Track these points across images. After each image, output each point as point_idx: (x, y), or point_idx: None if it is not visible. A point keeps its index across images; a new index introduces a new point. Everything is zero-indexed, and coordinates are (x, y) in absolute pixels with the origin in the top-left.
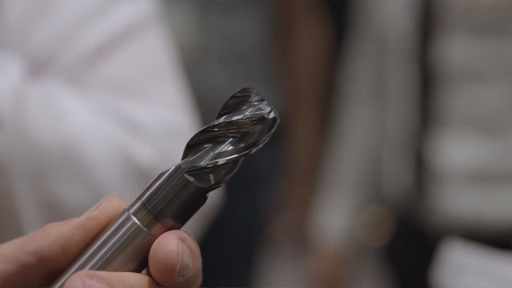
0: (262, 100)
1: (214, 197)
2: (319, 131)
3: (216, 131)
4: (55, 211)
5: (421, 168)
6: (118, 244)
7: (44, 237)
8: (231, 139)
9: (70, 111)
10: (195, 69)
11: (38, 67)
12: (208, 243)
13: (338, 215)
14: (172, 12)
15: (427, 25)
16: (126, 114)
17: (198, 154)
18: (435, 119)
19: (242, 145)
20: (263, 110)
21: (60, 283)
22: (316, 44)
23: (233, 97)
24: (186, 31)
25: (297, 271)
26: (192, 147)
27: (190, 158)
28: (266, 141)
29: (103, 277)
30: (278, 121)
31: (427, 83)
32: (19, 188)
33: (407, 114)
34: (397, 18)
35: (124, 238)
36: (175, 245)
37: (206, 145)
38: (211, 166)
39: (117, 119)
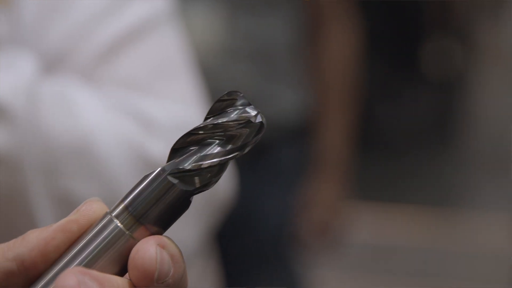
0: (248, 104)
1: (227, 192)
2: (347, 130)
3: (201, 134)
4: (69, 207)
5: None
6: (100, 246)
7: (24, 243)
8: (217, 141)
9: (84, 107)
10: (223, 69)
11: (52, 64)
12: (236, 240)
13: None
14: (200, 12)
15: None
16: (140, 110)
17: (183, 157)
18: None
19: (228, 148)
20: (250, 113)
21: (46, 279)
22: (346, 44)
23: (219, 100)
24: (214, 31)
25: (324, 269)
26: (178, 150)
27: (175, 161)
28: (253, 145)
29: (94, 276)
30: (265, 126)
31: None
32: (33, 184)
33: None
34: None
35: (106, 241)
36: (153, 252)
37: (192, 148)
38: (196, 169)
39: (130, 115)
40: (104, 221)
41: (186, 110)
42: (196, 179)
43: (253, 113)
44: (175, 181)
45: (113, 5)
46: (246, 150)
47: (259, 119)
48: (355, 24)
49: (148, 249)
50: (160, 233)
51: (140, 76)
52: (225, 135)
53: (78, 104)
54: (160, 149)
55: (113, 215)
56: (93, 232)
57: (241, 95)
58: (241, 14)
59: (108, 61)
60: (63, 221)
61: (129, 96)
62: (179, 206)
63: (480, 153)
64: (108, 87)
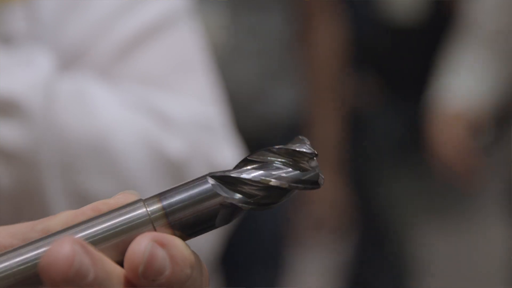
0: (313, 153)
1: None
2: (340, 124)
3: (271, 155)
4: (86, 204)
5: None
6: (118, 227)
7: (55, 218)
8: (284, 167)
9: (101, 104)
10: (223, 66)
11: (70, 61)
12: (233, 239)
13: (468, 76)
14: (199, 9)
15: None
16: (157, 107)
17: (243, 168)
18: None
19: (292, 176)
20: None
21: (44, 240)
22: (332, 39)
23: (286, 147)
24: (214, 28)
25: (323, 262)
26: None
27: (231, 169)
28: (299, 190)
29: (90, 252)
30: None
31: None
32: (50, 181)
33: None
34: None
35: (128, 224)
36: (143, 246)
37: (257, 164)
38: (238, 177)
39: (147, 112)
40: (133, 205)
41: (203, 107)
42: (235, 191)
43: (314, 164)
44: (212, 181)
45: (130, 2)
46: (304, 188)
47: (317, 171)
48: (340, 20)
49: (139, 242)
50: (184, 238)
51: (157, 73)
52: (294, 164)
53: (95, 101)
54: (177, 146)
55: (144, 199)
56: (117, 211)
57: (308, 142)
58: (239, 12)
59: (125, 58)
60: (96, 202)
61: (146, 93)
62: (211, 213)
63: None
64: (126, 84)
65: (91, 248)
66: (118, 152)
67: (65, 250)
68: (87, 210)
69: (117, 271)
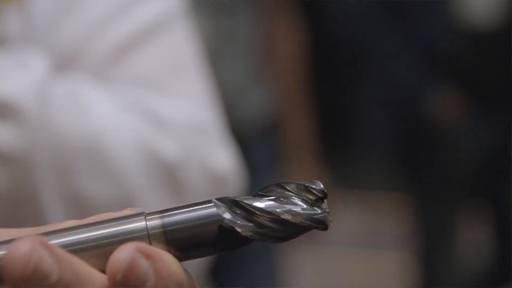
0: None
1: None
2: (311, 123)
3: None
4: (80, 207)
5: None
6: (112, 234)
7: (59, 226)
8: (302, 203)
9: (95, 106)
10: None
11: (64, 63)
12: None
13: None
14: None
15: None
16: (151, 109)
17: (257, 197)
18: None
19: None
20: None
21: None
22: (293, 43)
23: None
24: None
25: (312, 262)
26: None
27: (244, 196)
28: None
29: (55, 253)
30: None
31: None
32: (44, 184)
33: None
34: None
35: (123, 232)
36: (124, 254)
37: (274, 196)
38: (245, 204)
39: (142, 114)
40: (134, 217)
41: (198, 109)
42: (235, 216)
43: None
44: (219, 205)
45: (125, 4)
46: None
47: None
48: (299, 22)
49: (122, 249)
50: (178, 257)
51: (152, 75)
52: (306, 202)
53: (90, 103)
54: (172, 148)
55: (145, 213)
56: (117, 221)
57: (321, 184)
58: (213, 17)
59: (120, 60)
60: (101, 214)
61: (141, 95)
62: (212, 237)
63: None
64: (120, 86)
65: (58, 249)
66: (112, 155)
67: (23, 249)
68: (92, 220)
69: (98, 278)
